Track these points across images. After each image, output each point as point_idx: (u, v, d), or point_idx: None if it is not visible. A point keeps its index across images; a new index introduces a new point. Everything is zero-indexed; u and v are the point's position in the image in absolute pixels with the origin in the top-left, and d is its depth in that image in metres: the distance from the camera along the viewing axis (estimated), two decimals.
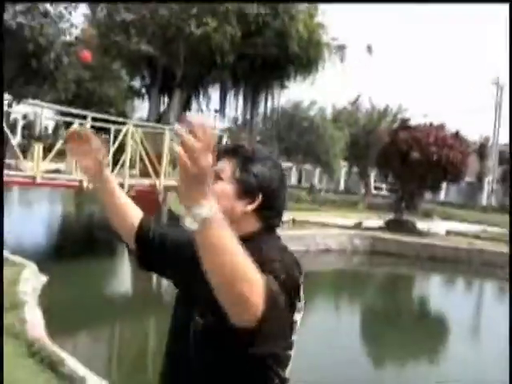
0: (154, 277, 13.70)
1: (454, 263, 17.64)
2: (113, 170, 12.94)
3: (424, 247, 18.35)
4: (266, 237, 1.95)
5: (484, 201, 39.19)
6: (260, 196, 1.93)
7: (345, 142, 29.51)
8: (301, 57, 18.32)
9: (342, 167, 32.87)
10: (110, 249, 15.77)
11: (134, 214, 2.25)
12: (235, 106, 22.48)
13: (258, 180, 1.95)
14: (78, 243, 16.15)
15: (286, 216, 19.67)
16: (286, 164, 38.63)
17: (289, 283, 1.71)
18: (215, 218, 1.49)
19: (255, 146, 2.07)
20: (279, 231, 2.00)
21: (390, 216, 21.26)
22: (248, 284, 1.53)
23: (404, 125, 20.56)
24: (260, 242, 1.89)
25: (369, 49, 21.58)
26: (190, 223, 1.45)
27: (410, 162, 18.68)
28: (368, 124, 35.94)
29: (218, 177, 1.92)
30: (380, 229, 20.41)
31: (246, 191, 1.93)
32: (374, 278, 17.02)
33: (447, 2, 69.66)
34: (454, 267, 17.52)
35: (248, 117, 22.98)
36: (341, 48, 19.82)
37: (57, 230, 19.84)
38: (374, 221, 21.18)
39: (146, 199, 16.93)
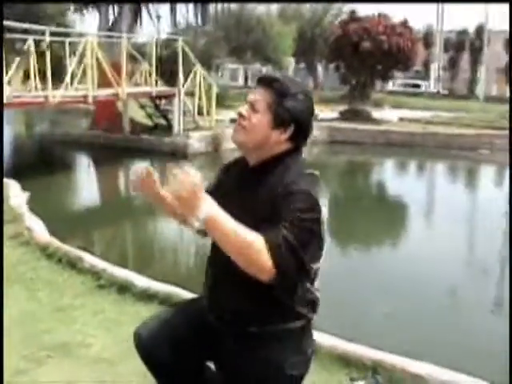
0: (121, 185, 14.19)
1: (410, 147, 18.36)
2: (72, 84, 12.94)
3: (381, 134, 18.99)
4: (294, 157, 2.27)
5: (432, 87, 39.80)
6: (292, 126, 2.28)
7: (292, 37, 29.40)
8: None
9: (290, 63, 32.87)
10: (67, 163, 16.20)
11: None
12: (186, 11, 22.14)
13: (291, 113, 2.21)
14: (40, 160, 16.29)
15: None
16: (233, 65, 38.48)
17: (315, 217, 2.10)
18: (208, 219, 1.98)
19: (289, 79, 2.32)
20: None
21: (342, 107, 21.70)
22: (250, 250, 2.00)
23: (353, 16, 20.70)
24: (289, 161, 2.23)
25: None
26: (196, 224, 1.98)
27: (361, 52, 18.99)
28: (313, 17, 35.81)
29: (253, 108, 2.27)
30: (336, 119, 20.89)
31: (279, 123, 2.23)
32: (334, 166, 17.48)
33: None
34: (410, 151, 18.24)
35: (199, 21, 22.70)
36: None
37: (15, 150, 19.78)
38: (327, 113, 21.59)
39: (107, 109, 17.01)
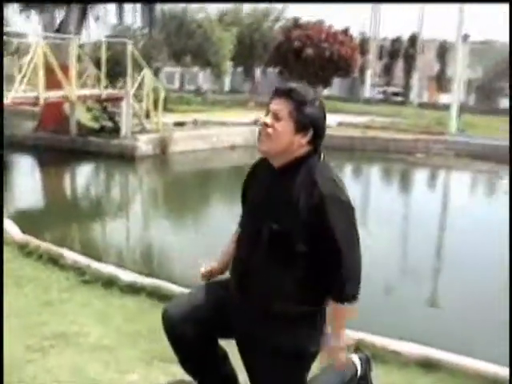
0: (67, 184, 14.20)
1: (350, 151, 18.99)
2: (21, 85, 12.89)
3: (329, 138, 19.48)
4: (315, 157, 2.63)
5: (367, 93, 40.80)
6: (311, 130, 2.63)
7: (231, 42, 29.78)
8: None
9: (229, 67, 33.20)
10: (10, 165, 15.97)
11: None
12: (133, 14, 22.20)
13: (310, 118, 2.58)
14: None
15: (187, 117, 20.22)
16: (169, 69, 38.47)
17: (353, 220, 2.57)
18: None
19: (304, 88, 2.66)
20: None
21: None
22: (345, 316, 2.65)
23: (297, 23, 21.26)
24: (311, 162, 2.60)
25: None
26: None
27: (304, 58, 19.56)
28: (252, 23, 36.31)
29: (276, 116, 2.62)
30: None
31: (301, 128, 2.59)
32: None
33: None
34: (351, 155, 18.86)
35: (146, 24, 22.78)
36: None
37: None
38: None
39: (54, 111, 16.94)
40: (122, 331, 4.23)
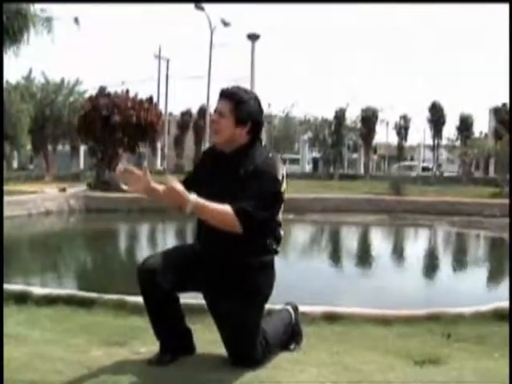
0: None
1: (161, 212, 19.50)
2: None
3: (133, 202, 20.05)
4: (255, 145, 3.49)
5: (158, 165, 41.49)
6: (249, 123, 3.48)
7: (29, 114, 29.41)
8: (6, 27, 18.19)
9: (28, 141, 32.51)
10: None
11: None
12: None
13: (247, 114, 3.43)
14: None
15: None
16: None
17: (273, 188, 3.35)
18: (195, 206, 3.14)
19: (242, 90, 3.51)
20: None
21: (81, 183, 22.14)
22: (225, 220, 3.21)
23: (103, 92, 21.91)
24: (253, 149, 3.44)
25: (76, 21, 21.89)
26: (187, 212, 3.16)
27: (111, 125, 20.16)
28: (45, 98, 36.06)
29: (220, 114, 3.46)
30: (85, 191, 21.43)
31: (240, 122, 3.44)
32: (90, 235, 17.61)
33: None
34: (162, 215, 19.37)
35: None
36: (48, 19, 20.08)
37: None
38: (78, 187, 21.99)
39: None
40: (57, 330, 4.53)
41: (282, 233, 3.57)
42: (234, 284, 3.45)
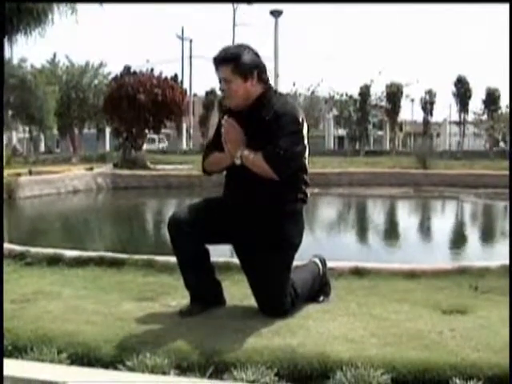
0: None
1: (189, 188, 19.79)
2: None
3: (160, 178, 20.28)
4: (271, 91, 3.56)
5: (184, 146, 41.77)
6: (255, 71, 3.50)
7: (55, 97, 29.60)
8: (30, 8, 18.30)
9: (54, 123, 32.69)
10: None
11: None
12: None
13: (247, 65, 3.47)
14: None
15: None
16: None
17: (298, 128, 3.43)
18: (244, 157, 3.36)
19: (231, 47, 3.55)
20: None
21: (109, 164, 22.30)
22: (261, 167, 3.34)
23: (128, 71, 21.99)
24: (269, 95, 3.51)
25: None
26: (237, 161, 3.36)
27: (136, 103, 20.23)
28: (70, 80, 36.29)
29: (226, 81, 3.49)
30: (112, 170, 21.59)
31: (247, 75, 3.47)
32: (118, 209, 17.89)
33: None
34: (190, 191, 19.65)
35: None
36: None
37: None
38: (99, 169, 22.09)
39: None
40: (89, 288, 4.64)
41: (308, 180, 3.62)
42: (267, 233, 3.49)
